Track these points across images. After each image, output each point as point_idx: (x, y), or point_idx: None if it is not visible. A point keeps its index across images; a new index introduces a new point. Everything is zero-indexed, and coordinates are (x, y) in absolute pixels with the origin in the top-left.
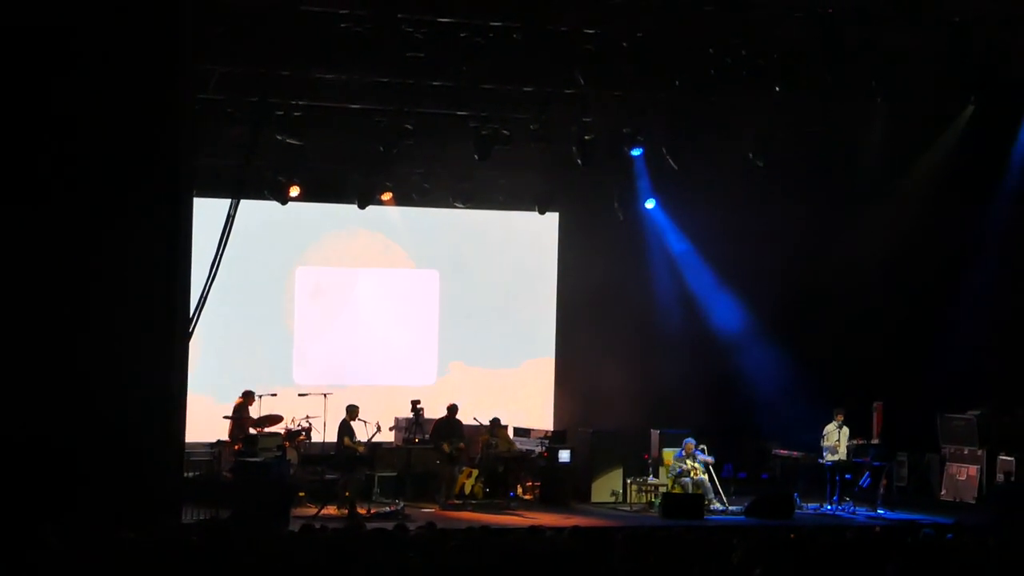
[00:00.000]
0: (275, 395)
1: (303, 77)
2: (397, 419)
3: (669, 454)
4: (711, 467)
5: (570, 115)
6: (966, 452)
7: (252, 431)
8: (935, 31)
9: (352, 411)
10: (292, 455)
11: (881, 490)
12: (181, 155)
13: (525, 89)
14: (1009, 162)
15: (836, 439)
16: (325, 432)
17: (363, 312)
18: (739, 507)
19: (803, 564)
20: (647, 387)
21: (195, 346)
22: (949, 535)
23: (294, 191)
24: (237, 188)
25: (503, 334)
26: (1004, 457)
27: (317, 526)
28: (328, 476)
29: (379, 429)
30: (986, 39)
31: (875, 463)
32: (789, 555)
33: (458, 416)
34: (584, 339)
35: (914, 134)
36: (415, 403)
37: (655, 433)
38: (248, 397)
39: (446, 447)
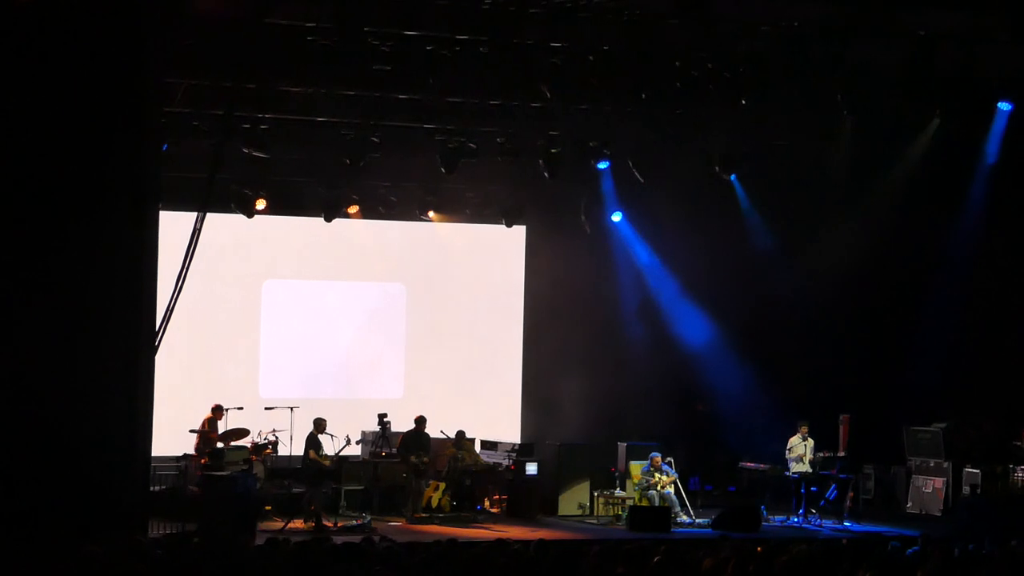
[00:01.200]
0: (241, 409)
1: (269, 90)
2: (364, 433)
3: (636, 467)
4: (678, 481)
5: (537, 128)
6: (932, 465)
7: (218, 445)
8: (900, 44)
9: (319, 424)
10: (259, 469)
11: (847, 502)
12: (147, 168)
13: (491, 102)
14: (974, 175)
15: (802, 452)
16: (292, 446)
17: (330, 326)
18: (706, 520)
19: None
20: (614, 400)
21: (161, 360)
22: (915, 547)
23: (260, 204)
24: (203, 201)
25: (470, 347)
26: (970, 470)
27: (283, 540)
28: (295, 490)
29: (349, 442)
30: (951, 52)
31: (842, 475)
32: (758, 567)
33: (425, 429)
34: (551, 351)
35: (880, 147)
36: (382, 416)
37: (622, 446)
38: (217, 412)
39: (413, 460)
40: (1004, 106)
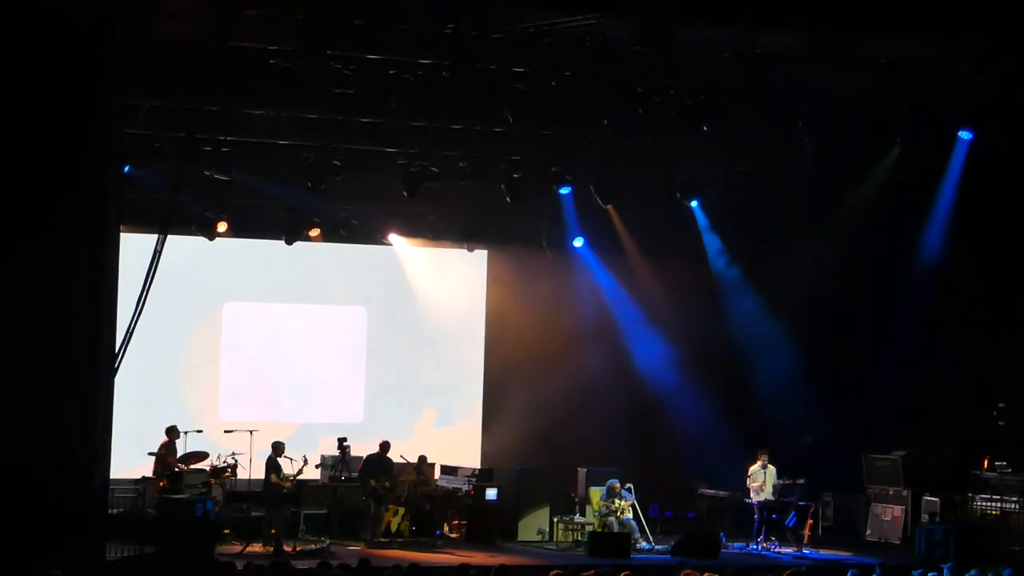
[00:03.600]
0: (201, 431)
1: (231, 113)
2: (324, 457)
3: (596, 493)
4: (637, 506)
5: (499, 153)
6: (891, 492)
7: (177, 468)
8: (861, 73)
9: (277, 448)
10: (217, 492)
11: (807, 530)
12: (108, 190)
13: (454, 126)
14: (935, 204)
15: (761, 479)
16: (251, 469)
17: (290, 349)
18: (665, 546)
19: None
20: (574, 425)
21: (121, 382)
22: (874, 575)
23: (222, 227)
24: (164, 223)
25: (430, 371)
26: (929, 498)
27: (241, 565)
28: (254, 513)
29: (306, 462)
30: (912, 81)
31: (801, 503)
32: None
33: (388, 454)
34: (512, 376)
35: (841, 175)
36: (342, 440)
37: (582, 471)
38: (172, 433)
39: (373, 483)
40: (964, 135)
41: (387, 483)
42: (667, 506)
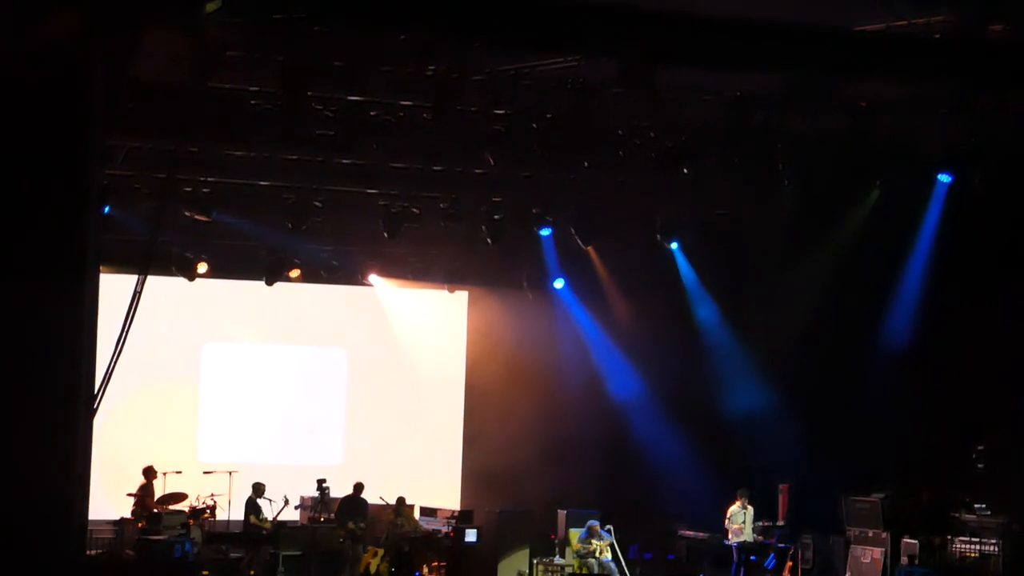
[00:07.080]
0: (180, 472)
1: (212, 154)
2: (303, 498)
3: (575, 534)
4: (616, 547)
5: (479, 194)
6: (871, 535)
7: (156, 509)
8: (841, 115)
9: (258, 489)
10: (196, 533)
11: (786, 572)
12: (88, 231)
13: (435, 168)
14: (914, 246)
15: (741, 520)
16: (230, 510)
17: (270, 389)
18: None
19: None
20: (554, 467)
21: (99, 423)
22: None
23: (202, 268)
24: (144, 264)
25: (410, 412)
26: (908, 540)
27: None
28: (233, 554)
29: (286, 503)
30: (891, 124)
31: (780, 545)
32: None
33: (363, 495)
34: (492, 418)
35: (820, 217)
36: (321, 482)
37: (562, 513)
38: (150, 474)
39: (351, 526)
40: (944, 178)
41: (363, 524)
42: (647, 547)
